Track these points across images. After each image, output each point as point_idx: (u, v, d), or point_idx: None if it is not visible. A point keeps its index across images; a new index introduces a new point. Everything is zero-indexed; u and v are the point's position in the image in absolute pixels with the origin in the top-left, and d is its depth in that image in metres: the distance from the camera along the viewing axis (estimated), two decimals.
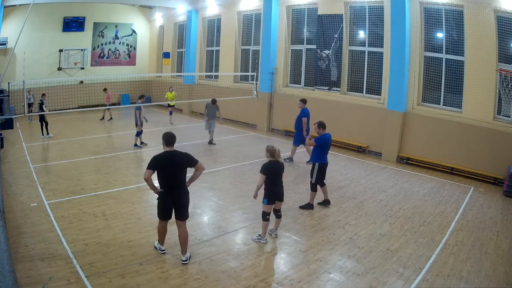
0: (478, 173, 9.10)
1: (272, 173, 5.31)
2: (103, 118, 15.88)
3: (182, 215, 4.81)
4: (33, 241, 5.15)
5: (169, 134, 4.75)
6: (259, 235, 5.51)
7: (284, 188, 5.56)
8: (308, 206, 6.81)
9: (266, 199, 5.36)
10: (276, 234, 5.66)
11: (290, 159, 9.98)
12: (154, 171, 4.64)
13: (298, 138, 9.77)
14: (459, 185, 8.69)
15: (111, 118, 15.82)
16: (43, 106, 12.25)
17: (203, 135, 12.35)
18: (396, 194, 7.79)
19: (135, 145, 11.07)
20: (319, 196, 6.93)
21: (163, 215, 4.84)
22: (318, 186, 6.81)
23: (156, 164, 4.62)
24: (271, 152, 5.31)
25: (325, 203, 6.98)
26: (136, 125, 10.97)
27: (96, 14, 19.13)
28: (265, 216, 5.41)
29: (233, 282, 4.41)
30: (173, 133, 4.80)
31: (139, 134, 10.99)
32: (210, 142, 11.75)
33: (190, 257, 4.87)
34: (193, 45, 18.11)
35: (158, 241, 5.09)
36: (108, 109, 15.62)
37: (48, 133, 12.12)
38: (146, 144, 11.34)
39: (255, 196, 5.42)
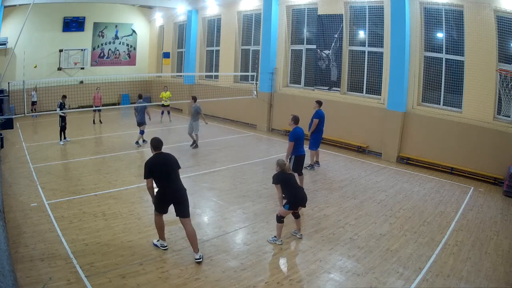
0: (478, 173, 9.09)
1: (285, 181, 5.39)
2: (94, 121, 15.02)
3: (183, 212, 4.86)
4: (33, 241, 5.15)
5: (157, 140, 5.00)
6: (274, 237, 5.49)
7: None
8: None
9: (287, 205, 5.31)
10: (301, 235, 5.66)
11: (311, 166, 9.27)
12: (153, 177, 4.81)
13: (315, 141, 9.15)
14: (459, 185, 8.68)
15: (100, 122, 15.10)
16: (63, 108, 11.17)
17: (203, 136, 12.34)
18: (396, 194, 7.79)
19: (137, 142, 11.32)
20: None
21: (160, 208, 4.97)
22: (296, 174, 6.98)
23: (150, 169, 4.80)
24: (281, 166, 5.48)
25: None
26: (144, 123, 11.30)
27: (96, 14, 19.13)
28: (280, 219, 5.39)
29: (233, 282, 4.41)
30: (160, 138, 5.03)
31: (143, 132, 11.29)
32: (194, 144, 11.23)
33: (202, 256, 4.88)
34: (193, 45, 18.11)
35: (159, 237, 5.15)
36: (99, 111, 14.92)
37: (65, 137, 11.44)
38: (147, 141, 11.50)
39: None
